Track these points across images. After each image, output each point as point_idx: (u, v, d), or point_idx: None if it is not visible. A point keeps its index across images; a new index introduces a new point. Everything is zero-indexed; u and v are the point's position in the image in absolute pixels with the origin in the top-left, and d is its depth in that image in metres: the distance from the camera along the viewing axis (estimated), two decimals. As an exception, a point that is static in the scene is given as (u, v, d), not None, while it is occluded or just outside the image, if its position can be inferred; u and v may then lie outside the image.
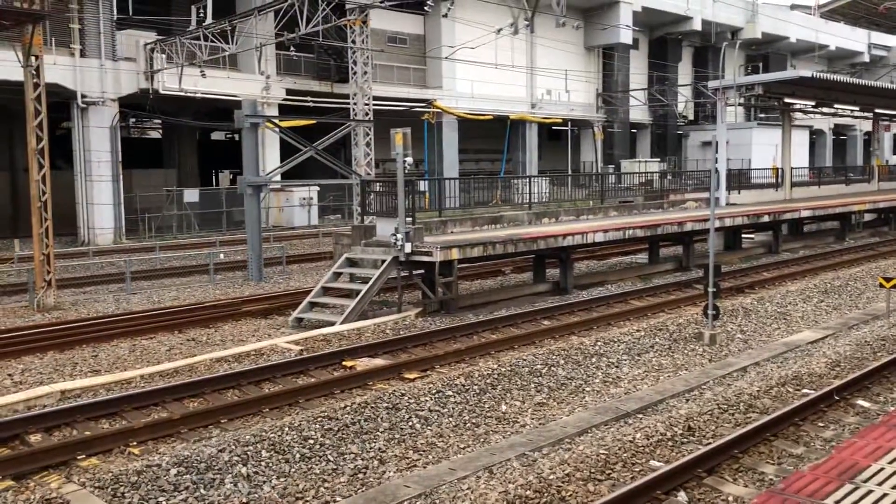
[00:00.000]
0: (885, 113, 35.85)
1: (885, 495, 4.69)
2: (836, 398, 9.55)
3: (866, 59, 68.30)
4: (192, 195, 32.63)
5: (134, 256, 22.33)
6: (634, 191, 35.87)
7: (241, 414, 9.62)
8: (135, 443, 8.67)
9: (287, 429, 8.75)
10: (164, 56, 30.90)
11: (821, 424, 8.92)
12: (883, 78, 49.41)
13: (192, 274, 21.49)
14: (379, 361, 11.78)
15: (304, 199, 34.05)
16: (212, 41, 28.56)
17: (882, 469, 5.07)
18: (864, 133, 65.68)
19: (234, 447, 8.22)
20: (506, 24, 23.09)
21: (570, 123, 48.19)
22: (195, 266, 22.58)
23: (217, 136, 51.19)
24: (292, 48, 29.28)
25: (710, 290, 13.21)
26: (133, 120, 43.03)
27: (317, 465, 8.21)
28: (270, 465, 8.09)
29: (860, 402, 9.63)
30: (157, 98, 31.44)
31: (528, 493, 7.16)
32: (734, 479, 7.49)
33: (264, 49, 31.50)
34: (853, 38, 67.23)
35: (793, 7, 67.00)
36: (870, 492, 4.74)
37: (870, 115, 35.49)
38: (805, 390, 10.14)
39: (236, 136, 40.46)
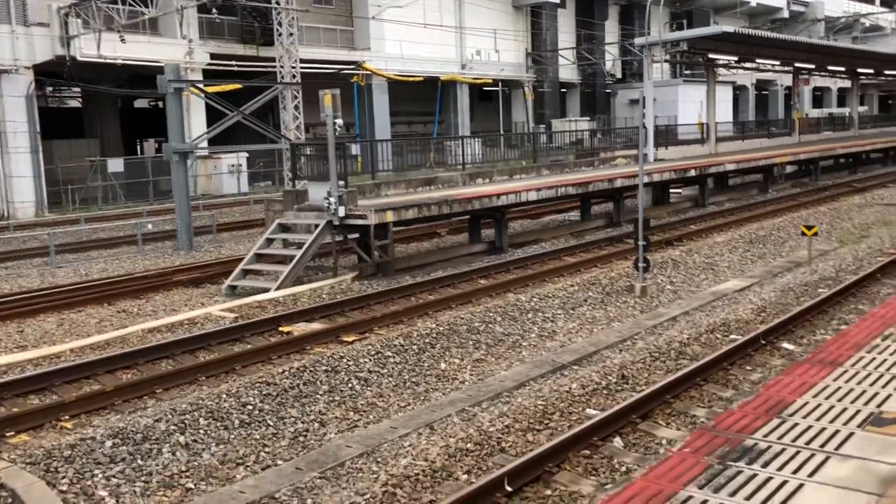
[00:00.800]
0: (805, 67, 36.83)
1: (809, 427, 4.89)
2: (763, 342, 9.90)
3: (786, 14, 69.72)
4: (116, 165, 31.65)
5: (58, 229, 21.62)
6: (566, 150, 36.22)
7: (177, 383, 9.48)
8: (67, 417, 8.48)
9: (225, 396, 8.67)
10: (79, 21, 29.68)
11: (748, 368, 9.24)
12: (802, 33, 50.66)
13: (119, 245, 20.93)
14: (316, 326, 11.72)
15: (232, 165, 33.34)
16: (130, 4, 27.55)
17: (807, 403, 5.29)
18: (784, 88, 67.33)
19: (170, 416, 8.11)
20: (433, -17, 22.87)
21: (500, 84, 48.15)
22: (123, 237, 21.99)
23: (141, 104, 49.59)
24: (215, 11, 28.47)
25: (640, 243, 13.48)
26: (50, 89, 41.36)
27: (256, 430, 8.17)
28: (209, 432, 8.02)
29: (785, 344, 10.00)
30: (75, 65, 30.23)
31: (468, 445, 7.26)
32: (667, 422, 7.72)
33: (186, 12, 30.53)
34: (773, -6, 68.49)
35: (715, -37, 67.85)
36: (795, 424, 4.95)
37: (790, 69, 36.42)
38: (733, 336, 10.48)
39: (161, 104, 39.30)
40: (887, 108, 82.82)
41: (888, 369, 5.90)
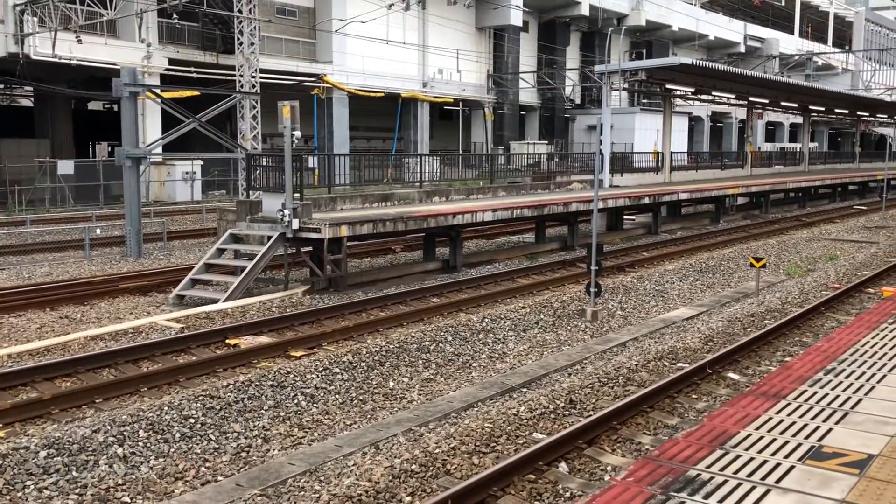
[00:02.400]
0: (759, 101, 37.66)
1: (751, 459, 4.93)
2: (709, 371, 10.00)
3: (742, 49, 71.51)
4: (66, 167, 30.99)
5: (1, 230, 21.06)
6: (523, 172, 36.44)
7: (118, 393, 9.25)
8: (0, 425, 8.20)
9: (166, 408, 8.47)
10: (35, 19, 29.13)
11: (694, 396, 9.32)
12: (757, 68, 51.86)
13: (66, 249, 20.44)
14: (264, 339, 11.55)
15: (186, 173, 32.92)
16: (88, 5, 27.13)
17: (749, 435, 5.33)
18: (738, 121, 68.84)
19: (109, 427, 7.89)
20: (397, 0, 22.90)
21: (461, 103, 48.46)
22: (69, 241, 21.49)
23: (95, 106, 48.78)
24: (175, 16, 28.15)
25: (593, 268, 13.58)
26: (1, 86, 40.46)
27: (198, 444, 7.99)
28: (148, 445, 7.83)
29: (731, 374, 10.12)
30: (29, 64, 29.65)
31: (413, 467, 7.18)
32: (613, 449, 7.74)
33: (145, 16, 30.19)
34: (731, 29, 70.24)
35: (676, -3, 69.30)
36: (738, 456, 4.98)
37: (744, 103, 37.20)
38: (680, 364, 10.57)
39: (115, 107, 38.66)
40: (837, 146, 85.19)
41: (829, 404, 5.98)
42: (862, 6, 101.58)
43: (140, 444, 7.80)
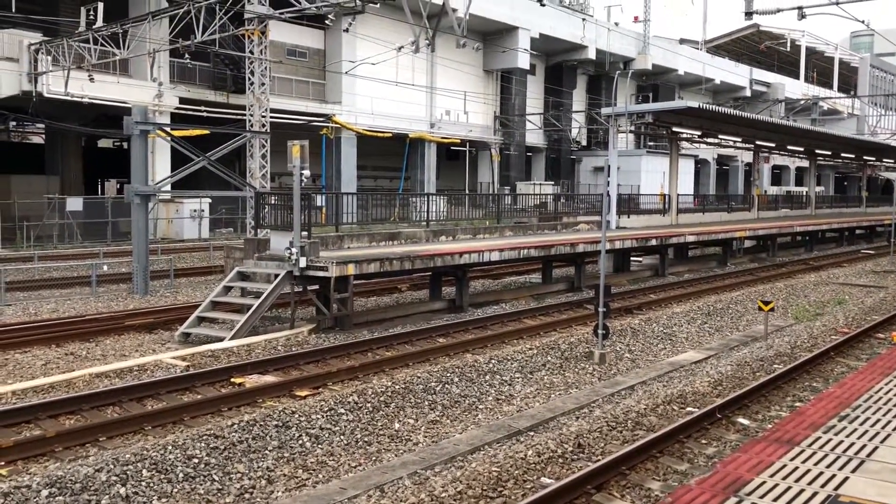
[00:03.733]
0: (765, 145, 37.80)
1: (766, 509, 4.84)
2: (719, 416, 9.87)
3: (748, 93, 72.01)
4: (75, 203, 31.17)
5: (9, 266, 21.10)
6: (529, 212, 36.50)
7: (122, 432, 9.17)
8: (3, 463, 8.12)
9: (171, 447, 8.38)
10: (49, 58, 29.52)
11: (704, 441, 9.19)
12: (763, 112, 52.14)
13: (73, 286, 20.46)
14: (269, 378, 11.47)
15: (195, 210, 33.06)
16: (102, 45, 27.47)
17: (764, 482, 5.23)
18: (745, 164, 69.09)
19: (112, 467, 7.80)
20: (407, 43, 23.14)
21: (468, 144, 48.75)
22: (77, 277, 21.52)
23: (105, 143, 49.25)
24: (187, 56, 28.45)
25: (601, 310, 13.49)
26: (14, 123, 40.87)
27: (201, 484, 7.89)
28: (151, 485, 7.73)
29: (740, 419, 9.98)
30: (41, 101, 29.98)
31: (419, 511, 7.06)
32: (622, 495, 7.61)
33: (157, 55, 30.50)
34: (737, 73, 70.83)
35: (682, 41, 70.17)
36: (752, 505, 4.88)
37: (751, 146, 37.34)
38: (689, 408, 10.44)
39: (125, 145, 39.02)
40: (843, 189, 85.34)
41: (844, 451, 5.88)
42: (867, 52, 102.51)
43: (143, 483, 7.71)
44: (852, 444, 6.06)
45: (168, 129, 22.66)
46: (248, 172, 27.55)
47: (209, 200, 33.78)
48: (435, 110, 46.20)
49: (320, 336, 14.45)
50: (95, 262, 20.93)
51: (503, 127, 50.69)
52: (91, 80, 29.09)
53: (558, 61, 54.29)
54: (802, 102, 67.28)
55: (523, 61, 48.40)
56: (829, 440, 6.14)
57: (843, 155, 47.18)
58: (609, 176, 15.14)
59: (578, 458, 8.59)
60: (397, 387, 10.97)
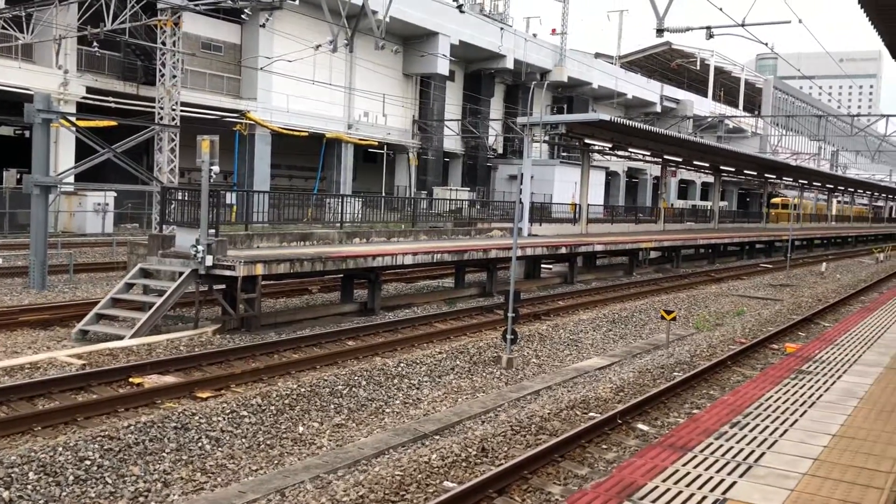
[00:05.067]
0: (672, 159, 39.01)
1: (657, 512, 4.95)
2: (620, 422, 10.10)
3: (658, 109, 74.23)
4: (-31, 193, 29.69)
5: None
6: (445, 217, 36.67)
7: (9, 432, 8.73)
8: None
9: (61, 449, 8.04)
10: (-55, 38, 28.09)
11: (605, 446, 9.38)
12: (672, 128, 53.82)
13: (-37, 278, 19.47)
14: (170, 379, 11.14)
15: (98, 204, 31.91)
16: (3, 27, 26.28)
17: (657, 487, 5.36)
18: (653, 177, 71.13)
19: (-5, 469, 7.43)
20: (325, 42, 22.94)
21: (385, 147, 48.66)
22: (-32, 270, 20.49)
23: (5, 131, 47.09)
24: (96, 44, 27.49)
25: (510, 315, 13.64)
26: None
27: (92, 487, 7.60)
28: (38, 488, 7.39)
29: (640, 425, 10.24)
30: (-66, 84, 28.50)
31: (319, 515, 6.97)
32: (522, 499, 7.68)
33: (64, 42, 29.42)
34: (648, 89, 72.95)
35: (597, 55, 71.81)
36: (644, 509, 5.00)
37: (659, 160, 38.48)
38: (592, 413, 10.65)
39: (27, 133, 37.38)
40: (745, 205, 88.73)
41: (734, 457, 6.09)
42: (771, 74, 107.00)
43: (29, 487, 7.37)
44: (741, 450, 6.28)
45: (73, 119, 21.82)
46: (156, 167, 26.82)
47: (114, 194, 32.66)
48: (353, 111, 45.96)
49: (225, 337, 14.13)
50: (-11, 255, 19.98)
51: (421, 131, 50.82)
52: (-10, 63, 27.80)
53: (477, 69, 54.80)
54: (710, 120, 69.74)
55: (443, 67, 48.67)
56: (721, 446, 6.35)
57: (746, 172, 49.09)
58: (522, 184, 15.34)
59: (482, 462, 8.64)
60: (303, 390, 10.82)
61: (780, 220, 63.36)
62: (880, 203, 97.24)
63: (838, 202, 79.76)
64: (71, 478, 7.65)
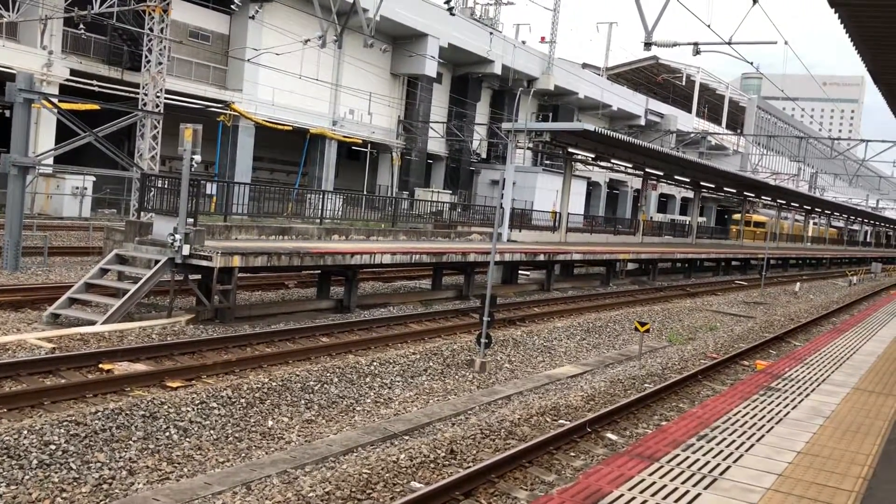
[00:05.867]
0: (654, 173, 39.24)
1: (621, 520, 4.99)
2: (589, 430, 10.15)
3: (643, 122, 74.67)
4: (-56, 169, 29.25)
5: None
6: (425, 218, 36.65)
7: (-28, 413, 8.64)
8: None
9: (26, 432, 7.96)
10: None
11: (573, 454, 9.42)
12: (655, 141, 54.18)
13: (-66, 256, 19.19)
14: (140, 367, 11.06)
15: (77, 188, 31.60)
16: (-12, 4, 26.00)
17: (622, 495, 5.40)
18: (634, 190, 71.54)
19: (-43, 450, 7.34)
20: (314, 37, 22.88)
21: (369, 145, 48.58)
22: (-61, 247, 20.20)
23: (-16, 109, 46.49)
24: (82, 26, 27.24)
25: (485, 319, 13.68)
26: None
27: (56, 472, 7.52)
28: (1, 471, 7.30)
29: (609, 434, 10.29)
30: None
31: (284, 510, 6.95)
32: (489, 502, 7.70)
33: (50, 22, 29.13)
34: (633, 102, 73.36)
35: (584, 66, 72.08)
36: (609, 517, 5.03)
37: (640, 173, 38.69)
38: (562, 421, 10.69)
39: (7, 113, 36.96)
40: (723, 222, 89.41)
41: (700, 469, 6.14)
42: (755, 93, 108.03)
43: (-9, 469, 7.28)
44: (708, 462, 6.34)
45: (55, 101, 21.61)
46: (137, 153, 26.61)
47: (93, 179, 32.35)
48: (339, 108, 45.84)
49: (198, 327, 14.05)
50: (-38, 233, 19.72)
51: (406, 132, 50.77)
52: (-27, 40, 27.47)
53: (465, 73, 54.86)
54: (692, 135, 70.30)
55: (431, 69, 48.68)
56: (688, 458, 6.40)
57: (725, 189, 49.50)
58: (504, 189, 15.37)
59: (450, 464, 8.65)
60: (274, 384, 10.78)
61: (748, 238, 62.91)
62: (855, 227, 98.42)
63: (814, 224, 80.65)
64: (35, 462, 7.58)
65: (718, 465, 6.30)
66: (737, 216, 70.97)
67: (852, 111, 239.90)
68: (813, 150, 78.46)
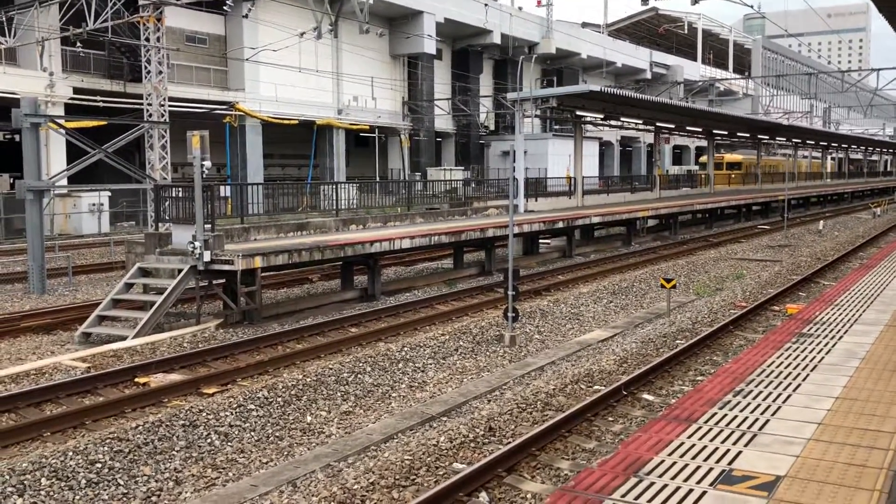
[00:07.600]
0: (665, 126, 38.88)
1: (665, 486, 5.00)
2: (625, 393, 10.16)
3: (648, 76, 73.89)
4: (-37, 200, 29.61)
5: None
6: (440, 198, 36.63)
7: (18, 440, 8.79)
8: None
9: (71, 453, 8.10)
10: (-72, 46, 27.90)
11: (611, 419, 9.44)
12: (663, 94, 53.61)
13: (-38, 287, 19.47)
14: (175, 377, 11.19)
15: (93, 204, 31.85)
16: (-15, 32, 26.14)
17: (663, 461, 5.40)
18: (647, 145, 70.95)
19: (8, 477, 7.49)
20: (309, 28, 22.80)
21: (377, 130, 48.51)
22: (-33, 278, 20.48)
23: (-6, 136, 46.89)
24: (79, 44, 27.30)
25: (510, 293, 13.68)
26: None
27: (105, 490, 7.65)
28: (52, 493, 7.45)
29: (645, 395, 10.30)
30: (-80, 93, 28.33)
31: (331, 505, 7.03)
32: (532, 476, 7.75)
33: (48, 44, 29.24)
34: (637, 57, 72.58)
35: (584, 25, 71.40)
36: (652, 484, 5.04)
37: (651, 128, 38.35)
38: (596, 386, 10.71)
39: (17, 137, 37.26)
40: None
41: (738, 426, 6.13)
42: (759, 34, 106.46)
43: (42, 493, 7.42)
44: (746, 418, 6.32)
45: (61, 121, 21.74)
46: (148, 164, 26.74)
47: (108, 194, 32.59)
48: (342, 96, 45.76)
49: (228, 331, 14.17)
50: (-13, 262, 19.98)
51: (412, 113, 50.62)
52: (-25, 69, 27.64)
53: (464, 46, 54.50)
54: (700, 84, 69.49)
55: (429, 46, 48.38)
56: (725, 416, 6.39)
57: (738, 134, 48.95)
58: (514, 160, 15.26)
59: (490, 442, 8.70)
60: (309, 379, 10.87)
61: (721, 183, 50.88)
62: (875, 157, 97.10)
63: (832, 159, 79.67)
64: (83, 481, 7.71)
65: (757, 419, 6.28)
66: (703, 159, 55.08)
67: (860, 41, 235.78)
68: (824, 84, 77.26)
